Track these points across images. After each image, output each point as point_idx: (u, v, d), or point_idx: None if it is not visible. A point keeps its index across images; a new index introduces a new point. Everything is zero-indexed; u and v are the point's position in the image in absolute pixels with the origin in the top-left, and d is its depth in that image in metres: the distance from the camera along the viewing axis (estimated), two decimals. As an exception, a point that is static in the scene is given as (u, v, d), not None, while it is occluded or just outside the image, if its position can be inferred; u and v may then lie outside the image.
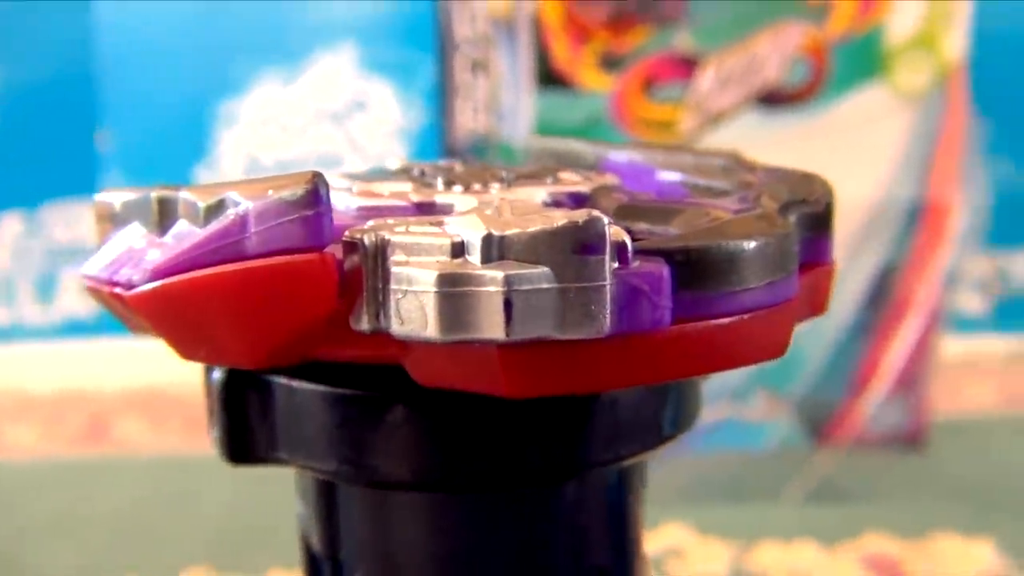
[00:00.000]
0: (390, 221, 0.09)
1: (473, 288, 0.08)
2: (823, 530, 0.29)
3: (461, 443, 0.10)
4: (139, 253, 0.10)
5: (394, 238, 0.09)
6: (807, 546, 0.29)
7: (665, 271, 0.09)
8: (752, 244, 0.09)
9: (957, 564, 0.28)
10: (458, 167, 0.13)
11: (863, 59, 0.33)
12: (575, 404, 0.10)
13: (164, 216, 0.10)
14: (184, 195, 0.10)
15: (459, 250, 0.09)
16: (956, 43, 0.33)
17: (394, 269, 0.09)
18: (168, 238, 0.10)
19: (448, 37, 0.36)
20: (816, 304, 0.11)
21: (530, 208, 0.09)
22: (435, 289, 0.08)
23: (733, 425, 0.36)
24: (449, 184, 0.12)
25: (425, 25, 0.50)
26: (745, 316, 0.09)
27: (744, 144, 0.37)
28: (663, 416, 0.11)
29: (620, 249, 0.09)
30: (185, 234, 0.10)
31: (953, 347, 0.39)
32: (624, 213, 0.11)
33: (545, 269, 0.08)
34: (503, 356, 0.08)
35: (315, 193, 0.09)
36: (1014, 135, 0.45)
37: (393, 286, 0.09)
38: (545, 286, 0.08)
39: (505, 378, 0.09)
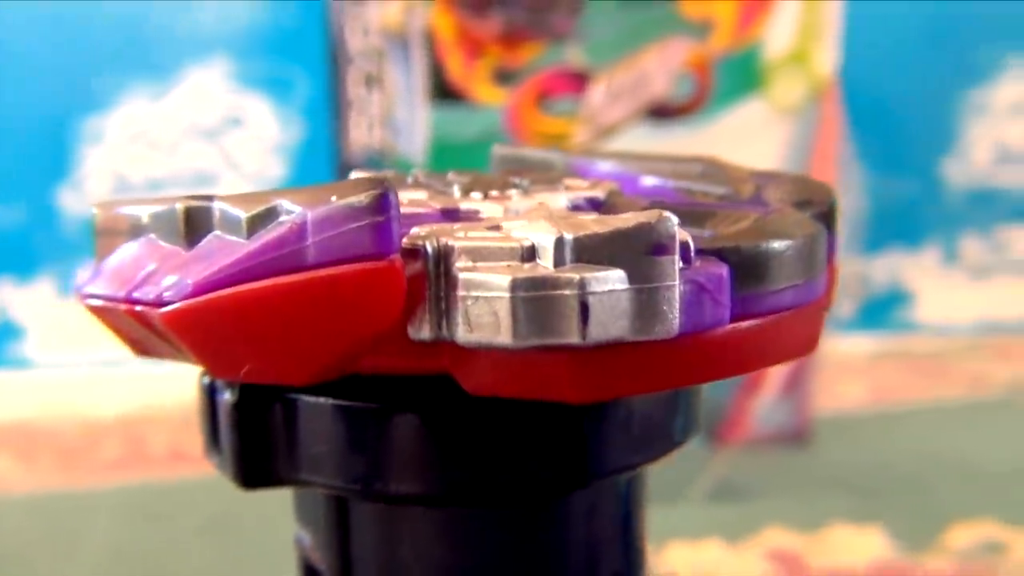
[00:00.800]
0: (448, 227, 0.09)
1: (550, 292, 0.08)
2: (726, 528, 0.30)
3: (491, 455, 0.10)
4: (164, 267, 0.09)
5: (459, 243, 0.09)
6: (712, 544, 0.30)
7: (725, 271, 0.09)
8: (794, 243, 0.09)
9: (852, 552, 0.29)
10: (452, 175, 0.13)
11: (743, 74, 0.35)
12: (595, 413, 0.10)
13: (193, 228, 0.09)
14: (220, 205, 0.09)
15: (530, 254, 0.08)
16: (827, 59, 0.35)
17: (461, 275, 0.08)
18: (199, 251, 0.09)
19: (341, 50, 0.36)
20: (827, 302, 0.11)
21: (563, 212, 0.09)
22: (511, 294, 0.08)
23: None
24: (467, 191, 0.11)
25: (303, 38, 0.49)
26: (787, 313, 0.09)
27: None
28: (675, 423, 0.11)
29: (684, 249, 0.09)
30: (224, 246, 0.09)
31: (826, 347, 0.41)
32: None
33: (619, 271, 0.08)
34: (571, 361, 0.08)
35: (386, 198, 0.09)
36: (874, 146, 0.48)
37: (461, 292, 0.08)
38: (620, 288, 0.08)
39: (572, 383, 0.08)
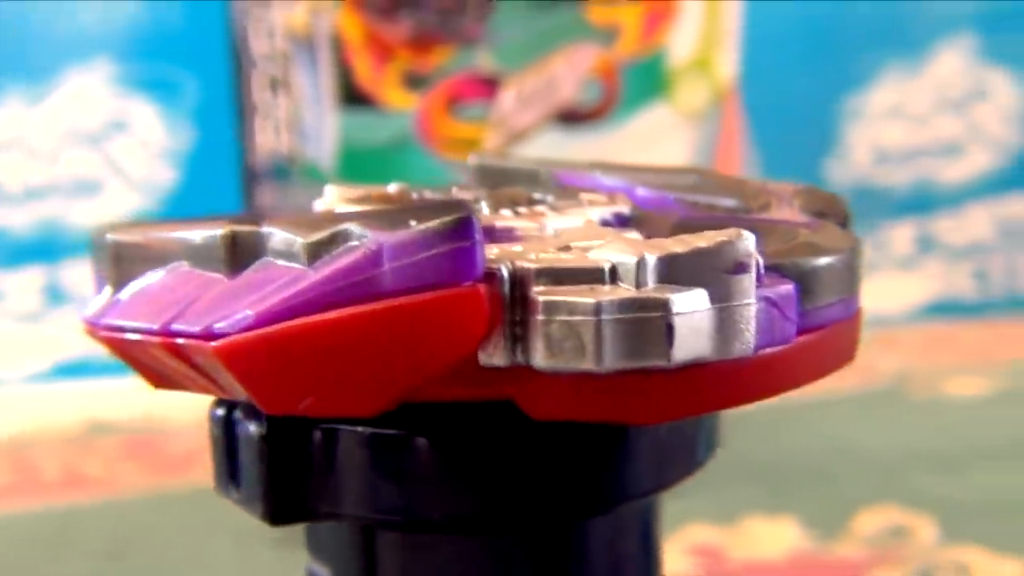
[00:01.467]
0: (513, 248, 0.09)
1: (637, 314, 0.08)
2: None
3: (531, 478, 0.10)
4: (207, 297, 0.08)
5: (535, 266, 0.08)
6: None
7: (792, 287, 0.09)
8: (843, 257, 0.10)
9: (769, 543, 0.30)
10: (456, 190, 0.12)
11: (649, 80, 0.35)
12: (628, 435, 0.10)
13: (237, 254, 0.09)
14: (272, 230, 0.08)
15: (612, 275, 0.08)
16: (728, 65, 0.36)
17: (542, 299, 0.08)
18: (247, 279, 0.09)
19: (244, 53, 0.34)
20: None
21: (603, 231, 0.09)
22: (597, 317, 0.08)
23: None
24: (495, 208, 0.11)
25: (191, 40, 0.47)
26: (838, 325, 0.10)
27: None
28: (699, 441, 0.11)
29: (756, 267, 0.09)
30: (280, 274, 0.08)
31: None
32: (690, 231, 0.10)
33: (701, 290, 0.08)
34: (649, 383, 0.08)
35: (470, 222, 0.08)
36: (779, 151, 0.50)
37: (540, 317, 0.08)
38: (703, 308, 0.08)
39: (649, 405, 0.08)
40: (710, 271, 0.08)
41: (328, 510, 0.10)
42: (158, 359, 0.09)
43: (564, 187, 0.13)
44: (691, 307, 0.08)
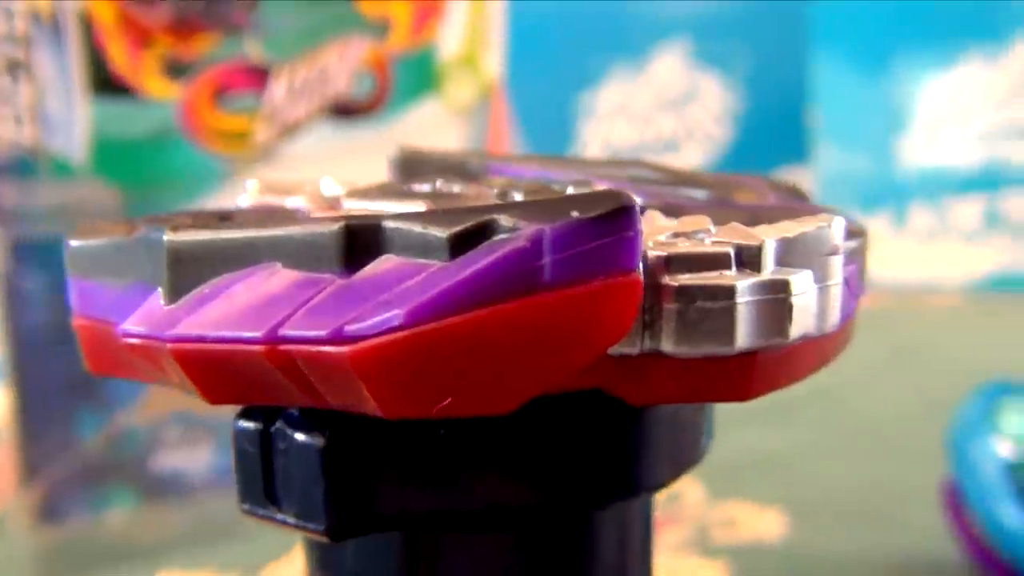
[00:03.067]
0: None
1: (770, 296, 0.08)
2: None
3: (575, 464, 0.10)
4: (324, 299, 0.07)
5: (666, 253, 0.08)
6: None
7: (855, 266, 0.09)
8: (865, 238, 0.10)
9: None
10: (440, 183, 0.11)
11: (420, 75, 0.35)
12: (651, 424, 0.10)
13: (356, 250, 0.08)
14: (399, 225, 0.07)
15: (738, 259, 0.08)
16: (493, 62, 0.37)
17: (681, 284, 0.08)
18: (371, 277, 0.08)
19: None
20: None
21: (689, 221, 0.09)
22: (739, 300, 0.08)
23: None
24: (502, 196, 0.10)
25: None
26: (862, 297, 0.10)
27: (322, 155, 0.37)
28: (704, 431, 0.12)
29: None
30: (416, 269, 0.08)
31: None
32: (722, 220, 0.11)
33: (808, 271, 0.08)
34: (757, 361, 0.08)
35: (634, 212, 0.08)
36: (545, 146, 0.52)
37: (675, 303, 0.08)
38: (812, 288, 0.08)
39: (753, 382, 0.08)
40: (813, 254, 0.09)
41: (394, 514, 0.10)
42: (241, 370, 0.08)
43: (484, 182, 0.13)
44: (804, 288, 0.09)
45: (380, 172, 0.38)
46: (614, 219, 0.08)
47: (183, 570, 0.29)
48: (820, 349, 0.10)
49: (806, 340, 0.09)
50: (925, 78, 0.62)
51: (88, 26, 0.30)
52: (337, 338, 0.08)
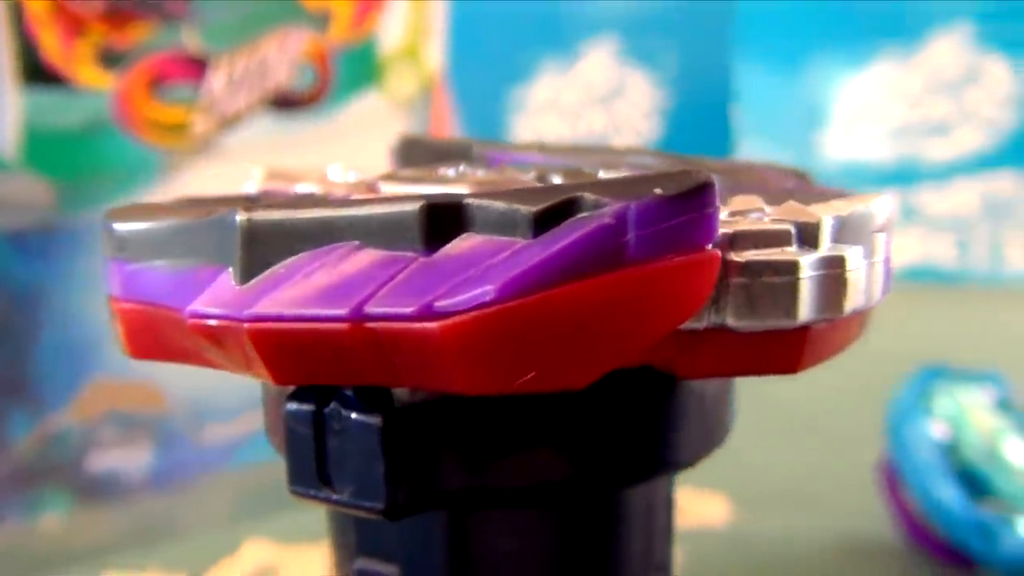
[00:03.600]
0: None
1: (831, 271, 0.08)
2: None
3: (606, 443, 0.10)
4: (407, 276, 0.07)
5: (731, 230, 0.08)
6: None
7: (890, 246, 0.10)
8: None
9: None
10: (464, 168, 0.11)
11: (362, 67, 0.35)
12: (682, 401, 0.11)
13: (437, 228, 0.08)
14: (482, 202, 0.07)
15: (798, 236, 0.08)
16: (435, 54, 0.37)
17: (747, 260, 0.08)
18: (455, 254, 0.08)
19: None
20: None
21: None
22: (803, 275, 0.08)
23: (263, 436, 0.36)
24: (541, 179, 0.10)
25: None
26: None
27: (262, 148, 0.36)
28: (731, 412, 0.12)
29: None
30: (501, 246, 0.08)
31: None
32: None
33: (860, 247, 0.09)
34: (811, 334, 0.09)
35: (713, 188, 0.08)
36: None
37: (741, 278, 0.08)
38: (863, 263, 0.09)
39: (804, 355, 0.09)
40: (863, 231, 0.09)
41: (451, 491, 0.10)
42: (318, 349, 0.08)
43: (508, 167, 0.13)
44: (857, 263, 0.09)
45: (321, 163, 0.37)
46: (695, 196, 0.08)
47: (122, 574, 0.28)
48: (858, 324, 0.10)
49: (852, 314, 0.10)
50: (842, 76, 0.64)
51: (18, 13, 0.29)
52: (426, 314, 0.08)
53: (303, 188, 0.11)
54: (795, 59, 0.64)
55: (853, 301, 0.09)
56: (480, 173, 0.11)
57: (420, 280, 0.08)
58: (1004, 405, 0.30)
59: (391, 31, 0.35)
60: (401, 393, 0.09)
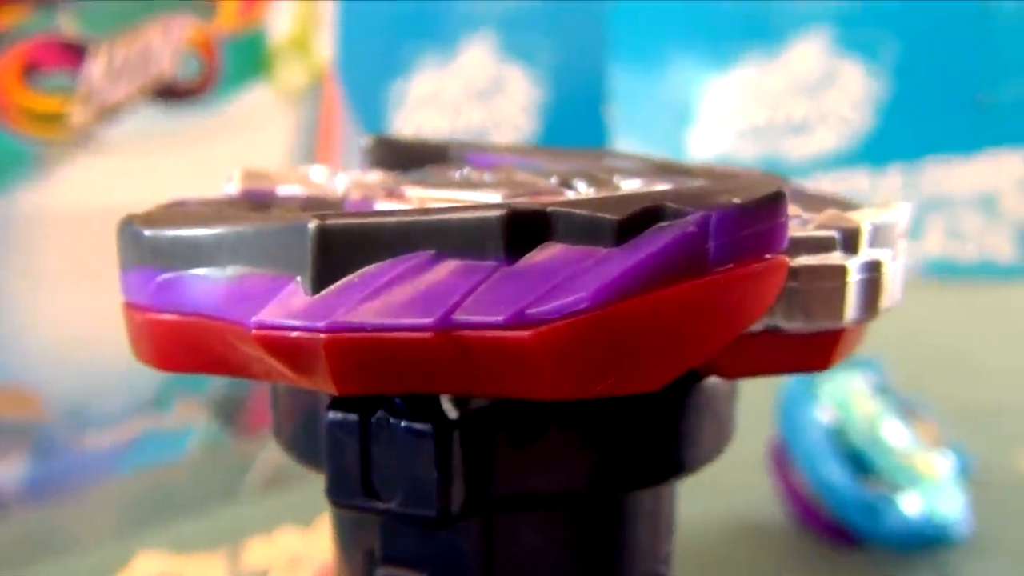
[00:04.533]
0: None
1: (874, 274, 0.09)
2: (296, 513, 0.30)
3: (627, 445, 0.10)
4: (491, 285, 0.07)
5: (790, 236, 0.08)
6: (288, 532, 0.30)
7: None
8: None
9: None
10: (469, 171, 0.11)
11: (251, 58, 0.34)
12: (701, 406, 0.11)
13: (519, 238, 0.08)
14: (563, 211, 0.08)
15: (843, 242, 0.09)
16: (325, 46, 0.36)
17: (799, 265, 0.09)
18: (538, 263, 0.08)
19: None
20: None
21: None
22: (854, 278, 0.09)
23: (152, 438, 0.34)
24: (565, 184, 0.10)
25: None
26: None
27: (145, 139, 0.35)
28: (734, 414, 0.12)
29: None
30: (584, 255, 0.08)
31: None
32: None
33: (890, 250, 0.09)
34: (844, 334, 0.09)
35: (785, 199, 0.09)
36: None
37: (795, 284, 0.09)
38: (894, 265, 0.09)
39: (835, 353, 0.09)
40: (890, 236, 0.10)
41: (502, 496, 0.10)
42: (396, 358, 0.08)
43: (493, 168, 0.12)
44: (890, 267, 0.10)
45: (208, 157, 0.36)
46: (770, 205, 0.09)
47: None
48: (873, 323, 0.11)
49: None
50: (708, 77, 0.66)
51: None
52: (518, 322, 0.08)
53: (285, 190, 0.11)
54: (664, 60, 0.66)
55: (886, 302, 0.10)
56: (488, 177, 0.11)
57: (506, 288, 0.08)
58: (881, 389, 0.31)
59: (280, 21, 0.35)
60: (447, 401, 0.09)
